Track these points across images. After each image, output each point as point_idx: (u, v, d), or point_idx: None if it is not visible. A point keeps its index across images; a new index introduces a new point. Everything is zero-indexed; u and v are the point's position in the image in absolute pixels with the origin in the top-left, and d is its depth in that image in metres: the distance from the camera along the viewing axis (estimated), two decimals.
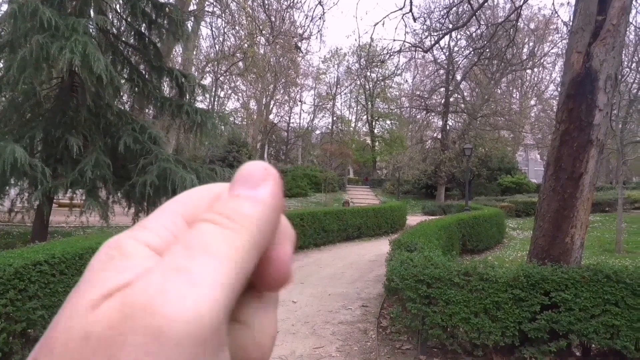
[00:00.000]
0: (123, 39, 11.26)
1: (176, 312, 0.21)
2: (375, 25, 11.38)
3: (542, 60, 36.39)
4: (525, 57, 31.69)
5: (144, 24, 11.07)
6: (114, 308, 0.22)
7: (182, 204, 0.29)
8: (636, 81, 28.16)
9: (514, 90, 43.23)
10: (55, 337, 0.22)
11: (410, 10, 10.87)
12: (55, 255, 4.64)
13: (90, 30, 9.33)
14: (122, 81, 10.63)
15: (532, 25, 29.15)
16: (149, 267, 0.24)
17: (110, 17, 10.81)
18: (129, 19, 11.01)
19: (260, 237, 0.26)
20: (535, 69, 39.99)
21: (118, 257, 0.24)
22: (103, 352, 0.21)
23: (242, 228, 0.26)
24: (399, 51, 13.06)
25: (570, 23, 5.76)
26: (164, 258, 0.24)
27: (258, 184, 0.28)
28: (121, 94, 11.16)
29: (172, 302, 0.21)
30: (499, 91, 35.49)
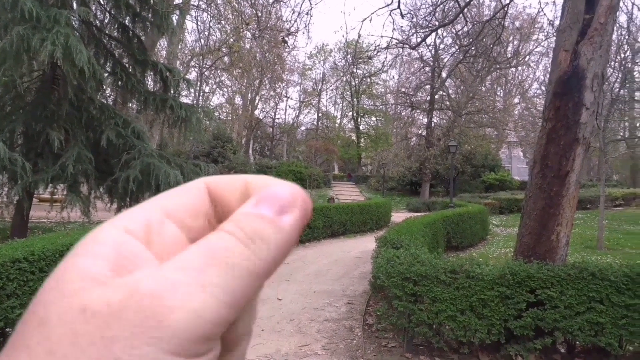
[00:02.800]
0: (106, 31, 11.05)
1: (182, 305, 0.23)
2: (363, 21, 11.35)
3: (526, 59, 36.70)
4: (509, 55, 31.93)
5: (128, 17, 10.86)
6: (114, 289, 0.24)
7: (165, 197, 0.30)
8: (618, 80, 28.58)
9: (498, 88, 43.58)
10: (49, 311, 0.24)
11: (398, 6, 10.84)
12: (35, 252, 4.52)
13: (73, 22, 9.13)
14: (105, 74, 10.44)
15: (517, 24, 29.37)
16: (137, 257, 0.26)
17: (93, 9, 10.58)
18: (112, 11, 10.80)
19: (272, 265, 0.27)
20: (520, 67, 40.36)
21: (91, 244, 0.26)
22: (97, 324, 0.23)
23: (260, 253, 0.26)
24: (387, 47, 13.02)
25: (555, 22, 5.76)
26: (181, 255, 0.26)
27: (285, 209, 0.28)
28: (104, 87, 10.97)
29: (180, 297, 0.24)
30: (483, 89, 35.71)
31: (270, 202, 0.28)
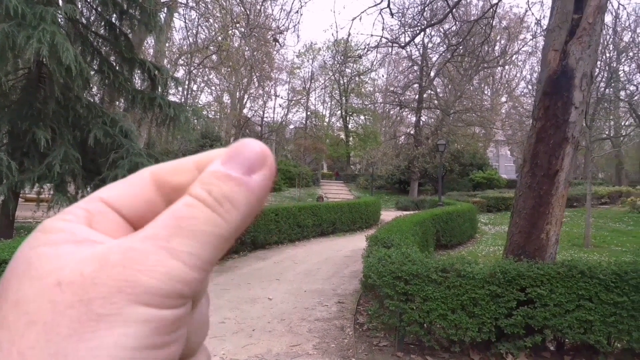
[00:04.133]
0: (93, 29, 10.91)
1: (152, 270, 0.25)
2: (353, 20, 11.33)
3: (513, 58, 36.97)
4: (496, 54, 32.12)
5: (114, 14, 10.74)
6: (85, 263, 0.25)
7: (104, 189, 0.31)
8: (603, 79, 28.88)
9: (486, 87, 43.85)
10: (23, 293, 0.25)
11: (388, 5, 10.84)
12: None
13: (59, 19, 9.01)
14: (92, 73, 10.31)
15: (504, 23, 29.55)
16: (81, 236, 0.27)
17: (80, 6, 10.44)
18: (99, 9, 10.68)
19: (241, 226, 0.28)
20: (507, 67, 40.64)
21: (44, 236, 0.27)
22: (73, 291, 0.24)
23: (229, 216, 0.27)
24: (377, 46, 13.04)
25: (542, 21, 5.80)
26: (149, 225, 0.27)
27: (253, 169, 0.28)
28: (91, 85, 10.83)
29: (149, 263, 0.25)
30: (471, 88, 35.91)
31: (239, 161, 0.28)
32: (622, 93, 33.09)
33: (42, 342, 0.23)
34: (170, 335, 0.25)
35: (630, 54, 30.03)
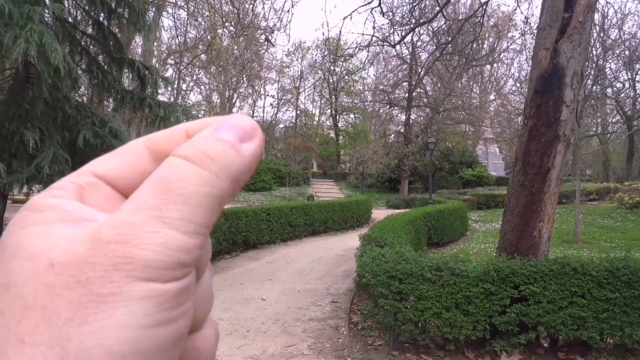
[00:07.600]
0: (81, 28, 10.80)
1: (147, 242, 0.24)
2: (344, 19, 11.33)
3: (502, 56, 37.19)
4: (484, 52, 32.29)
5: (102, 13, 10.63)
6: (77, 242, 0.24)
7: (95, 161, 0.29)
8: (590, 77, 29.18)
9: (474, 85, 44.09)
10: (13, 276, 0.23)
11: (379, 4, 10.85)
12: None
13: (46, 18, 8.91)
14: (80, 72, 10.19)
15: (492, 21, 29.73)
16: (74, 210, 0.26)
17: (67, 5, 10.32)
18: (86, 8, 10.56)
19: (232, 190, 0.27)
20: (495, 65, 40.89)
21: (32, 215, 0.26)
22: (68, 272, 0.23)
23: (221, 173, 0.26)
24: (368, 45, 13.04)
25: (530, 19, 5.83)
26: (137, 194, 0.26)
27: (245, 138, 0.28)
28: (79, 85, 10.72)
29: (143, 236, 0.24)
30: (459, 86, 36.08)
31: (231, 129, 0.28)
32: (609, 90, 33.46)
33: (42, 326, 0.22)
34: (176, 310, 0.24)
35: (617, 51, 30.38)
